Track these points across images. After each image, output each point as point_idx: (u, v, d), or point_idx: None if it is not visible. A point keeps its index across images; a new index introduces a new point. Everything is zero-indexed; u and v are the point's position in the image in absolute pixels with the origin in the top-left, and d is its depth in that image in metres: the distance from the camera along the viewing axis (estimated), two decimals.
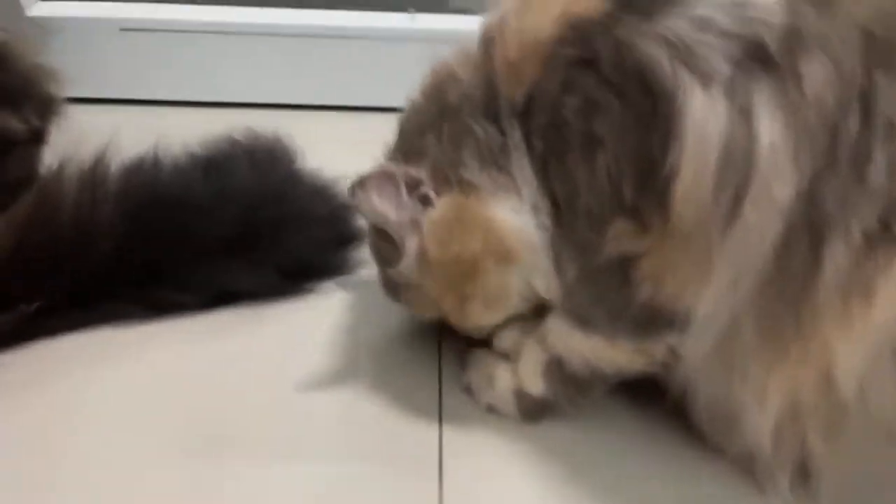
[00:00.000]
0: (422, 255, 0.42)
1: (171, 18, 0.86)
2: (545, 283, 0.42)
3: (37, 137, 0.54)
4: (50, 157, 0.59)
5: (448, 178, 0.41)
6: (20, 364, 0.49)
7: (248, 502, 0.41)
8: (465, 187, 0.41)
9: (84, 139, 0.58)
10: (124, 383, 0.48)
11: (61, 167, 0.53)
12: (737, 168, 0.33)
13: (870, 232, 0.33)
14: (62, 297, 0.50)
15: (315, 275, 0.58)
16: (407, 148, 0.44)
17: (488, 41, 0.42)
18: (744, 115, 0.33)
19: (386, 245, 0.44)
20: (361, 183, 0.42)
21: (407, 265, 0.43)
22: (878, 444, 0.37)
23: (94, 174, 0.53)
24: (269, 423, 0.46)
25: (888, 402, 0.34)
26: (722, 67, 0.34)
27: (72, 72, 0.78)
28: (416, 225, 0.42)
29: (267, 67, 0.88)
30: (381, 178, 0.42)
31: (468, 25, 0.86)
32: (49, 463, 0.43)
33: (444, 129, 0.42)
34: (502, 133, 0.40)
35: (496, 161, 0.40)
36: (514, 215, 0.40)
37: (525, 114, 0.39)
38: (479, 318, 0.44)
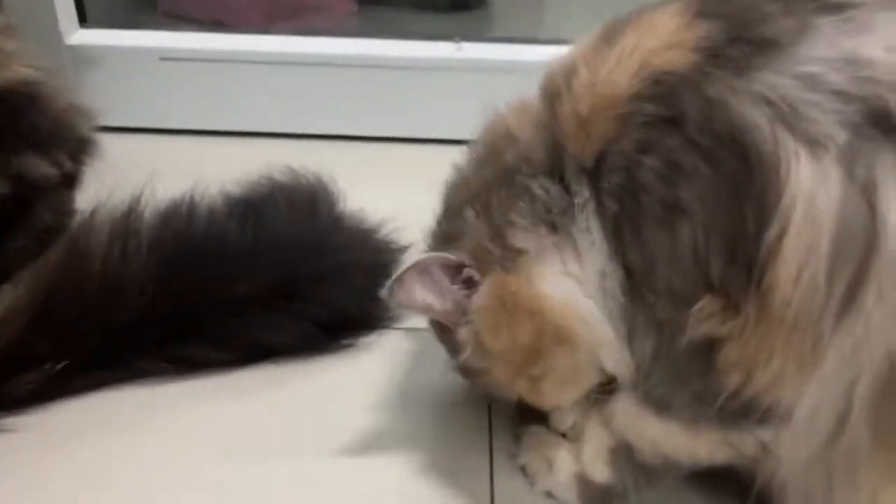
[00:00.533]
0: (477, 342, 0.38)
1: (210, 48, 0.84)
2: (613, 358, 0.37)
3: (69, 182, 0.52)
4: (84, 196, 0.57)
5: (491, 254, 0.37)
6: (45, 426, 0.46)
7: None
8: (510, 259, 0.37)
9: (120, 172, 0.56)
10: (153, 447, 0.45)
11: (94, 214, 0.50)
12: (856, 251, 0.29)
13: None
14: (90, 354, 0.47)
15: (357, 328, 0.55)
16: (447, 227, 0.41)
17: (553, 94, 0.37)
18: (865, 189, 0.29)
19: (445, 335, 0.40)
20: (399, 280, 0.38)
21: (467, 354, 0.39)
22: None
23: (128, 222, 0.50)
24: (304, 492, 0.42)
25: None
26: (836, 132, 0.29)
27: (110, 101, 0.77)
28: (465, 311, 0.38)
29: (307, 97, 0.85)
30: (418, 270, 0.38)
31: (515, 55, 0.83)
32: None
33: (494, 197, 0.38)
34: (568, 193, 0.36)
35: (554, 222, 0.36)
36: (566, 284, 0.36)
37: (595, 173, 0.35)
38: (557, 398, 0.40)
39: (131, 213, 0.51)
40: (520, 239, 0.37)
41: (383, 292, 0.39)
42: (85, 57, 0.84)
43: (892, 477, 0.31)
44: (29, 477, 0.43)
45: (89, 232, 0.49)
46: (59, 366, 0.46)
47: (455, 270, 0.39)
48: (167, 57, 0.84)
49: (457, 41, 0.85)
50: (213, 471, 0.44)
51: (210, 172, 0.58)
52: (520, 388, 0.39)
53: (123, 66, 0.84)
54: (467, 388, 0.48)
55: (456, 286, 0.39)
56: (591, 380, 0.39)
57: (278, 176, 0.62)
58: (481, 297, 0.38)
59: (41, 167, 0.49)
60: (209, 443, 0.46)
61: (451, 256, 0.39)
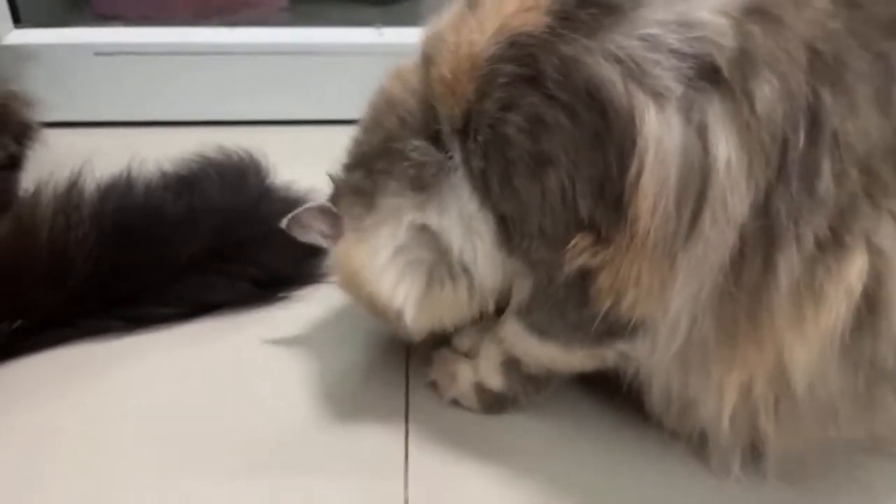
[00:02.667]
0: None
1: (142, 42, 0.89)
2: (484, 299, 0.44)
3: (14, 163, 0.56)
4: (27, 182, 0.62)
5: (354, 216, 0.45)
6: (3, 383, 0.51)
7: None
8: (362, 218, 0.44)
9: (61, 162, 0.60)
10: (106, 398, 0.50)
11: (37, 191, 0.55)
12: (695, 184, 0.35)
13: (820, 240, 0.35)
14: (43, 315, 0.52)
15: (289, 284, 0.60)
16: (337, 184, 0.47)
17: (426, 59, 0.42)
18: (699, 132, 0.35)
19: None
20: (294, 216, 0.46)
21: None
22: (821, 426, 0.40)
23: (70, 197, 0.55)
24: (245, 430, 0.48)
25: (834, 390, 0.37)
26: (675, 86, 0.34)
27: (48, 96, 0.81)
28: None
29: (239, 85, 0.90)
30: (307, 211, 0.46)
31: None
32: (35, 478, 0.45)
33: (378, 162, 0.43)
34: (445, 151, 0.41)
35: (422, 180, 0.41)
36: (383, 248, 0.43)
37: (464, 132, 0.39)
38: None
39: (72, 188, 0.56)
40: (383, 198, 0.43)
41: (283, 221, 0.46)
42: (21, 55, 0.87)
43: (733, 364, 0.38)
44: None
45: (34, 205, 0.54)
46: (14, 325, 0.51)
47: (334, 217, 0.46)
48: (101, 52, 0.88)
49: (378, 27, 0.91)
50: (158, 417, 0.49)
51: (147, 161, 0.62)
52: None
53: (59, 62, 0.88)
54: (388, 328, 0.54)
55: (335, 228, 0.46)
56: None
57: (211, 154, 0.67)
58: (335, 249, 0.45)
59: None
60: (159, 393, 0.51)
61: (333, 209, 0.45)
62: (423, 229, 0.42)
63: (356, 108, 0.87)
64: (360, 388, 0.51)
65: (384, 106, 0.45)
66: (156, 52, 0.89)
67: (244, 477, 0.45)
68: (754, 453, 0.42)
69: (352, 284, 0.46)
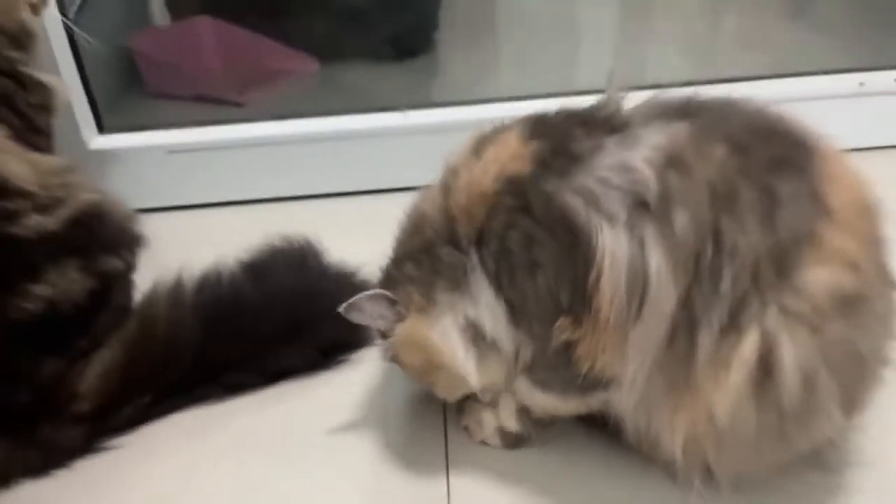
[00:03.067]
0: (395, 354, 0.59)
1: (205, 140, 1.06)
2: (473, 381, 0.57)
3: (130, 268, 0.72)
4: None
5: (414, 300, 0.56)
6: (138, 442, 0.67)
7: None
8: (426, 307, 0.56)
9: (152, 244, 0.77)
10: (211, 450, 0.66)
11: (152, 291, 0.71)
12: (638, 285, 0.48)
13: (724, 324, 0.48)
14: (164, 389, 0.68)
15: (345, 350, 0.75)
16: (390, 276, 0.60)
17: (446, 189, 0.57)
18: (640, 247, 0.48)
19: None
20: (354, 303, 0.58)
21: (389, 357, 0.60)
22: (750, 453, 0.52)
23: (175, 294, 0.71)
24: (319, 463, 0.63)
25: (750, 427, 0.50)
26: (621, 212, 0.48)
27: (132, 188, 0.98)
28: (392, 332, 0.58)
29: (286, 168, 1.06)
30: (367, 298, 0.58)
31: (454, 117, 1.05)
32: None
33: (423, 260, 0.57)
34: (464, 255, 0.55)
35: (458, 280, 0.55)
36: (452, 333, 0.55)
37: (479, 243, 0.54)
38: (447, 394, 0.61)
39: (177, 286, 0.72)
40: (440, 294, 0.56)
41: (342, 308, 0.58)
42: (105, 158, 1.04)
43: (678, 410, 0.51)
44: (132, 477, 0.64)
45: (150, 305, 0.70)
46: (144, 400, 0.67)
47: (391, 304, 0.58)
48: (174, 150, 1.05)
49: (403, 111, 1.07)
50: (255, 462, 0.64)
51: (218, 235, 0.78)
52: (424, 384, 0.61)
53: (138, 160, 1.05)
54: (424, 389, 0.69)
55: (391, 314, 0.58)
56: (466, 389, 0.58)
57: (275, 242, 0.82)
58: (402, 328, 0.57)
59: (113, 263, 0.69)
60: (250, 443, 0.66)
61: (390, 294, 0.58)
62: (468, 317, 0.56)
63: (388, 179, 1.03)
64: (405, 432, 0.66)
65: (419, 219, 0.59)
66: (215, 147, 1.06)
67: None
68: (710, 474, 0.55)
69: (420, 355, 0.57)
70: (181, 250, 0.77)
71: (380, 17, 1.72)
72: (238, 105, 1.53)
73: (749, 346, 0.48)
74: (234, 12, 1.69)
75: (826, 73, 1.11)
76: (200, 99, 1.57)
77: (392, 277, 0.60)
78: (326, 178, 1.07)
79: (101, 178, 1.04)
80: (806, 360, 0.47)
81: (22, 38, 0.72)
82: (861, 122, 1.07)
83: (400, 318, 0.58)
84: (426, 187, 0.61)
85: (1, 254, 0.61)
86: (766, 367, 0.48)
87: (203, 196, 1.07)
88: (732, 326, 0.48)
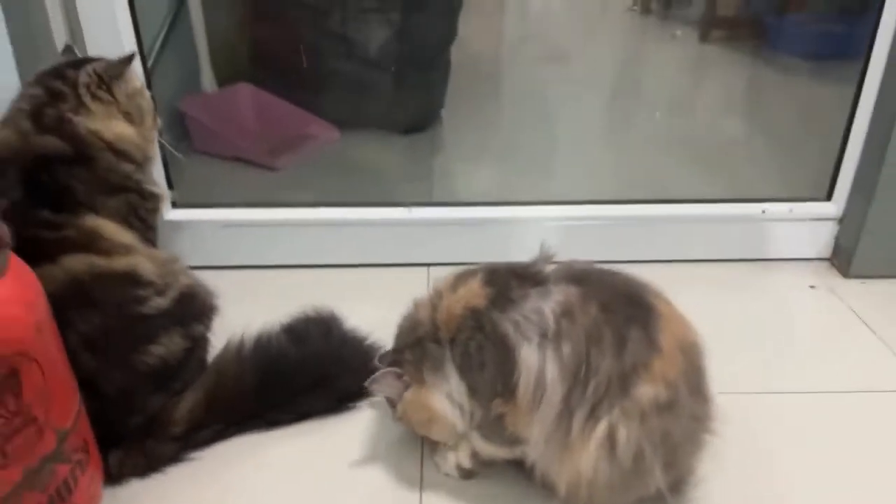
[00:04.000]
0: (403, 412, 0.89)
1: (251, 218, 1.36)
2: (460, 426, 0.87)
3: (208, 331, 1.02)
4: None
5: (415, 376, 0.87)
6: (211, 457, 0.96)
7: None
8: (421, 382, 0.86)
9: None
10: (259, 468, 0.95)
11: (226, 349, 1.01)
12: (540, 383, 0.78)
13: (587, 414, 0.77)
14: (229, 421, 0.98)
15: (357, 398, 1.05)
16: (397, 357, 0.90)
17: (433, 305, 0.86)
18: (543, 361, 0.78)
19: (392, 405, 0.91)
20: (375, 378, 0.88)
21: (397, 417, 0.90)
22: (606, 494, 0.80)
23: (239, 354, 1.01)
24: (327, 478, 0.93)
25: (603, 478, 0.78)
26: (535, 338, 0.78)
27: (192, 250, 1.28)
28: (401, 397, 0.89)
29: (314, 242, 1.37)
30: (384, 374, 0.88)
31: (446, 214, 1.36)
32: None
33: (417, 349, 0.86)
34: (443, 350, 0.85)
35: (438, 366, 0.85)
36: (444, 401, 0.86)
37: (452, 344, 0.84)
38: (440, 437, 0.91)
39: (240, 347, 1.02)
40: (426, 374, 0.86)
41: (367, 383, 0.88)
42: (176, 227, 1.35)
43: (562, 466, 0.80)
44: (206, 479, 0.93)
45: (221, 360, 1.00)
46: (217, 427, 0.97)
47: (399, 377, 0.88)
48: (228, 224, 1.35)
49: (408, 206, 1.38)
50: (284, 474, 0.94)
51: (258, 291, 1.14)
52: (422, 432, 0.91)
53: (200, 230, 1.36)
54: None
55: (399, 384, 0.89)
56: (454, 433, 0.88)
57: (308, 312, 1.12)
58: (408, 394, 0.88)
59: (200, 329, 0.99)
60: (282, 462, 0.96)
61: (400, 371, 0.89)
62: (446, 390, 0.86)
63: (393, 257, 1.34)
64: (393, 461, 0.96)
65: (415, 322, 0.89)
66: (257, 225, 1.36)
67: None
68: None
69: (422, 412, 0.86)
70: (230, 302, 1.06)
71: (394, 97, 2.03)
72: (272, 169, 1.84)
73: (601, 429, 0.77)
74: (271, 81, 2.01)
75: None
76: (238, 160, 1.88)
77: (397, 360, 0.90)
78: (345, 252, 1.38)
79: (172, 241, 1.34)
80: (635, 440, 0.77)
81: (144, 163, 1.02)
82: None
83: (406, 388, 0.87)
84: (420, 299, 0.91)
85: (134, 326, 0.90)
86: (611, 442, 0.77)
87: (247, 260, 1.38)
88: (592, 416, 0.77)
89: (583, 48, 2.63)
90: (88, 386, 0.83)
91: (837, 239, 1.42)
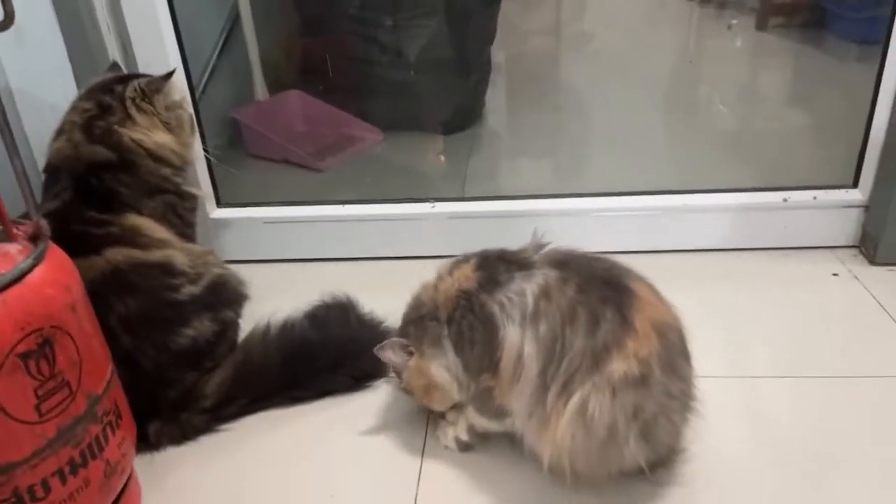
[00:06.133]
0: (407, 381, 0.97)
1: (290, 215, 1.47)
2: (456, 395, 0.95)
3: (238, 317, 1.13)
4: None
5: (417, 347, 0.95)
6: (238, 428, 1.07)
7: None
8: (422, 353, 0.94)
9: (250, 284, 1.16)
10: (281, 437, 1.06)
11: (252, 332, 1.12)
12: (520, 359, 0.84)
13: (551, 388, 0.83)
14: (256, 396, 1.08)
15: (373, 377, 1.14)
16: (403, 331, 0.98)
17: (434, 286, 0.94)
18: (522, 339, 0.84)
19: (398, 375, 1.00)
20: (382, 347, 0.97)
21: (402, 386, 0.98)
22: (584, 463, 0.85)
23: (265, 336, 1.11)
24: (342, 447, 1.02)
25: (580, 448, 0.84)
26: (518, 317, 0.85)
27: (236, 245, 1.41)
28: (406, 367, 0.97)
29: (342, 236, 1.47)
30: (390, 345, 0.97)
31: (473, 208, 1.43)
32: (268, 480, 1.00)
33: (420, 325, 0.95)
34: (441, 327, 0.93)
35: (437, 341, 0.93)
36: (441, 370, 0.94)
37: (449, 322, 0.92)
38: (440, 406, 0.98)
39: (266, 330, 1.13)
40: (426, 347, 0.94)
41: (376, 349, 0.96)
42: (222, 224, 1.48)
43: (544, 435, 0.85)
44: (234, 448, 1.04)
45: (249, 341, 1.11)
46: (244, 401, 1.08)
47: (404, 347, 0.96)
48: (268, 221, 1.47)
49: (432, 202, 1.46)
50: (304, 444, 1.04)
51: (294, 282, 1.25)
52: (422, 401, 0.98)
53: (243, 227, 1.48)
54: (417, 408, 1.07)
55: (405, 354, 0.97)
56: (451, 400, 0.96)
57: (328, 299, 1.22)
58: (411, 362, 0.96)
59: (230, 315, 1.10)
60: (302, 434, 1.06)
61: (405, 342, 0.97)
62: (444, 363, 0.94)
63: (417, 251, 1.42)
64: (400, 434, 1.04)
65: (418, 301, 0.97)
66: (295, 221, 1.47)
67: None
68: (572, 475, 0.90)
69: (420, 379, 0.94)
70: (269, 291, 1.18)
71: (434, 99, 2.12)
72: (317, 171, 1.96)
73: (573, 402, 0.82)
74: (319, 88, 2.13)
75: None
76: (287, 162, 2.00)
77: (404, 333, 0.99)
78: (369, 246, 1.47)
79: (218, 238, 1.47)
80: (608, 412, 0.81)
81: (183, 167, 1.14)
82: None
83: (410, 357, 0.96)
84: (426, 282, 0.99)
85: (169, 311, 1.02)
86: (583, 414, 0.82)
87: (287, 254, 1.49)
88: (566, 390, 0.83)
89: (635, 40, 2.64)
90: (128, 362, 0.95)
91: (864, 226, 1.41)
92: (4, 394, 0.68)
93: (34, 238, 0.76)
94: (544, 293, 0.85)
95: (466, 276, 0.91)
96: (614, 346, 0.82)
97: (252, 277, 1.16)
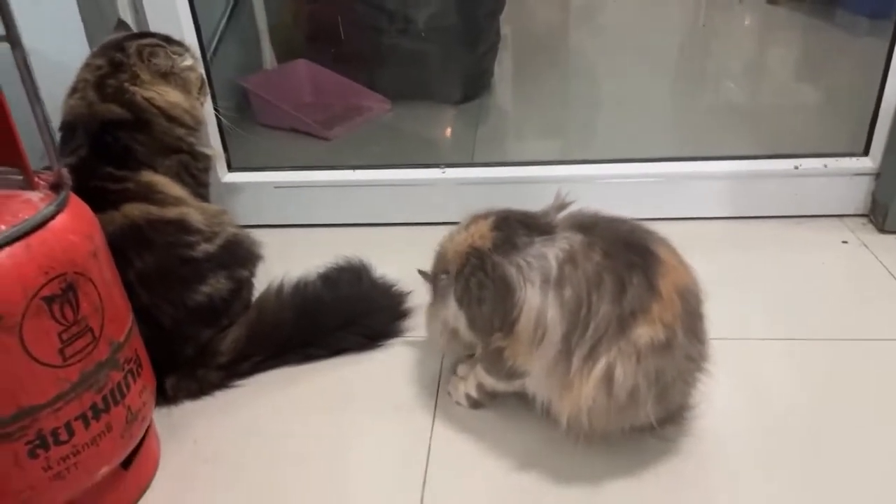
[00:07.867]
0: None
1: (301, 180, 1.48)
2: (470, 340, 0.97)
3: (252, 276, 1.14)
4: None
5: (433, 294, 0.97)
6: (251, 384, 1.09)
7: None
8: (438, 300, 0.96)
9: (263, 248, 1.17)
10: (295, 395, 1.07)
11: (267, 291, 1.13)
12: (541, 322, 0.84)
13: (586, 353, 0.82)
14: (269, 352, 1.10)
15: (385, 337, 1.15)
16: (427, 278, 1.00)
17: (448, 241, 0.95)
18: (545, 302, 0.84)
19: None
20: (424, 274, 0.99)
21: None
22: (603, 421, 0.86)
23: (279, 295, 1.12)
24: (356, 406, 1.04)
25: (601, 408, 0.84)
26: (537, 280, 0.84)
27: (248, 210, 1.41)
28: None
29: (352, 202, 1.48)
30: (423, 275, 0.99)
31: (483, 174, 1.44)
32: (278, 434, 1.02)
33: (434, 276, 0.97)
34: (449, 280, 0.93)
35: (445, 295, 0.94)
36: (447, 315, 0.95)
37: (458, 278, 0.92)
38: (449, 347, 1.00)
39: (280, 289, 1.14)
40: (436, 296, 0.96)
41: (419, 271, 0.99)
42: (232, 188, 1.48)
43: (563, 395, 0.85)
44: (248, 403, 1.05)
45: (264, 299, 1.12)
46: (258, 358, 1.09)
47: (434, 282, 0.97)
48: (279, 186, 1.48)
49: (442, 168, 1.46)
50: (317, 401, 1.05)
51: (305, 247, 1.26)
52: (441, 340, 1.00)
53: (254, 191, 1.49)
54: (434, 363, 1.08)
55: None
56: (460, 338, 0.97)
57: (341, 261, 1.23)
58: (428, 306, 0.99)
59: (244, 273, 1.11)
60: (315, 392, 1.07)
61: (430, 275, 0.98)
62: (445, 315, 0.96)
63: (428, 216, 1.44)
64: (412, 391, 1.06)
65: (439, 256, 0.98)
66: (307, 186, 1.48)
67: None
68: (586, 434, 0.91)
69: (433, 321, 0.97)
70: (280, 255, 1.19)
71: (442, 68, 2.11)
72: (325, 139, 1.96)
73: (599, 367, 0.82)
74: (327, 57, 2.12)
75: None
76: (295, 131, 2.01)
77: (427, 280, 1.01)
78: (383, 212, 1.48)
79: (229, 201, 1.48)
80: (631, 377, 0.81)
81: (196, 127, 1.15)
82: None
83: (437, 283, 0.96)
84: (450, 232, 0.99)
85: (185, 268, 1.03)
86: (609, 379, 0.82)
87: (297, 219, 1.50)
88: (591, 355, 0.83)
89: (645, 13, 2.62)
90: (146, 317, 0.96)
91: (874, 194, 1.41)
92: (29, 336, 0.69)
93: (56, 187, 0.77)
94: (570, 258, 0.84)
95: (482, 234, 0.91)
96: (640, 312, 0.81)
97: (263, 241, 1.16)
